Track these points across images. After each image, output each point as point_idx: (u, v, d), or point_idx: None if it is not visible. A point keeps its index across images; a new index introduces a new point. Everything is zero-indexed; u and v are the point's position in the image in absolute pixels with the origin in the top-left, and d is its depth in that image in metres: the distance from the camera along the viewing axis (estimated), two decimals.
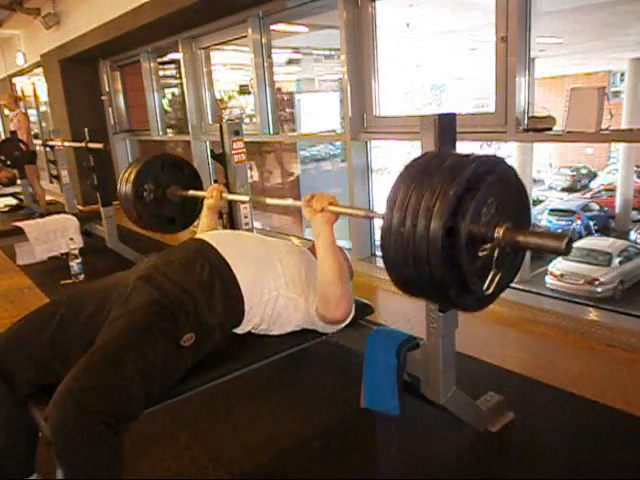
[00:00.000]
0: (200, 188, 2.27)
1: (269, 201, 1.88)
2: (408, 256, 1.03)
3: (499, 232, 1.05)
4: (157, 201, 2.24)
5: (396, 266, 1.09)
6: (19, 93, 8.71)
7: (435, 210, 0.99)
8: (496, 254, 1.06)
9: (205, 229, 1.93)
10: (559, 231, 11.29)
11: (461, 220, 1.00)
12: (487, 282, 1.08)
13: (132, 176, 2.18)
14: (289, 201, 1.96)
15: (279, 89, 4.46)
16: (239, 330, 1.48)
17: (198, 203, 2.20)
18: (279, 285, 1.49)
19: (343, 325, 1.56)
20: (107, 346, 1.18)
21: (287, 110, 5.21)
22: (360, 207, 1.45)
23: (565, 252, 0.99)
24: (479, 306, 1.16)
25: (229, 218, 2.34)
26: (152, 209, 2.24)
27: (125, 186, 2.20)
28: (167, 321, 1.27)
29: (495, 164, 1.08)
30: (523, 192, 1.14)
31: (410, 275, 1.07)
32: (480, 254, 1.06)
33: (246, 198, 2.10)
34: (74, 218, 3.73)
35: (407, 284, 1.13)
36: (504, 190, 1.08)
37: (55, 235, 3.52)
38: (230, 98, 5.94)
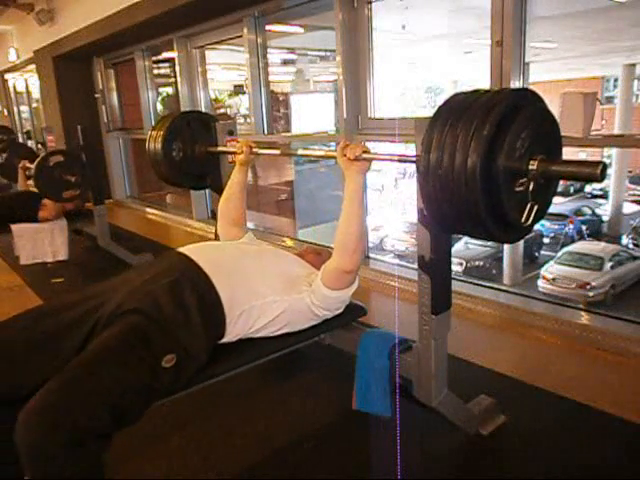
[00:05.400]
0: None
1: (301, 152, 1.91)
2: (447, 193, 1.08)
3: (534, 164, 1.08)
4: (186, 159, 2.26)
5: (435, 204, 1.14)
6: (11, 89, 8.65)
7: (472, 146, 1.02)
8: (532, 186, 1.09)
9: (236, 181, 1.90)
10: (552, 234, 11.39)
11: (498, 154, 1.04)
12: (525, 214, 1.12)
13: (160, 135, 2.20)
14: (321, 152, 1.94)
15: (274, 89, 4.46)
16: (225, 341, 1.46)
17: (225, 158, 2.23)
18: (265, 292, 1.47)
19: (349, 293, 1.54)
20: (80, 366, 1.16)
21: (282, 111, 5.21)
22: (392, 153, 1.50)
23: (600, 178, 1.02)
24: (516, 238, 1.23)
25: None
26: (182, 167, 2.27)
27: (154, 145, 2.22)
28: (146, 342, 1.24)
29: (527, 98, 1.12)
30: (554, 123, 1.17)
31: (449, 212, 1.12)
32: (517, 188, 1.09)
33: (277, 152, 2.12)
34: (65, 225, 3.57)
35: (446, 221, 1.19)
36: (536, 122, 1.11)
37: (43, 243, 3.44)
38: (230, 96, 5.94)
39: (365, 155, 1.45)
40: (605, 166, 1.01)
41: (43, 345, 1.27)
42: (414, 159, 1.24)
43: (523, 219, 1.12)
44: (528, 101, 1.12)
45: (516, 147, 1.06)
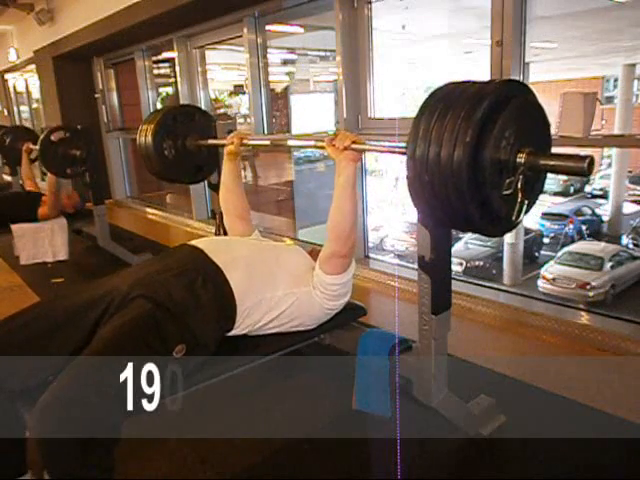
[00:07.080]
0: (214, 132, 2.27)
1: (290, 142, 1.90)
2: (433, 184, 1.06)
3: (522, 157, 1.07)
4: (179, 155, 2.24)
5: (422, 197, 1.12)
6: (11, 89, 8.64)
7: (459, 137, 1.01)
8: (521, 180, 1.08)
9: (228, 175, 1.89)
10: (552, 234, 11.39)
11: (485, 145, 1.02)
12: (512, 207, 1.10)
13: (149, 136, 2.18)
14: (311, 142, 1.94)
15: (274, 89, 4.46)
16: (233, 333, 1.47)
17: (219, 146, 2.21)
18: (277, 286, 1.48)
19: (348, 276, 1.53)
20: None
21: (282, 111, 5.20)
22: (383, 143, 1.48)
23: (588, 172, 1.01)
24: (503, 231, 1.22)
25: (222, 217, 2.33)
26: (177, 164, 2.26)
27: (145, 139, 2.20)
28: (157, 331, 1.25)
29: (516, 89, 1.11)
30: (543, 116, 1.15)
31: (435, 203, 1.10)
32: (505, 180, 1.08)
33: (267, 142, 2.13)
34: (65, 224, 3.55)
35: (434, 214, 1.17)
36: (526, 114, 1.10)
37: (43, 243, 3.44)
38: (230, 96, 5.94)
39: (354, 145, 1.43)
40: (592, 160, 1.00)
41: (55, 329, 1.28)
42: (403, 150, 1.21)
43: (510, 212, 1.11)
44: (518, 92, 1.10)
45: (504, 139, 1.05)
